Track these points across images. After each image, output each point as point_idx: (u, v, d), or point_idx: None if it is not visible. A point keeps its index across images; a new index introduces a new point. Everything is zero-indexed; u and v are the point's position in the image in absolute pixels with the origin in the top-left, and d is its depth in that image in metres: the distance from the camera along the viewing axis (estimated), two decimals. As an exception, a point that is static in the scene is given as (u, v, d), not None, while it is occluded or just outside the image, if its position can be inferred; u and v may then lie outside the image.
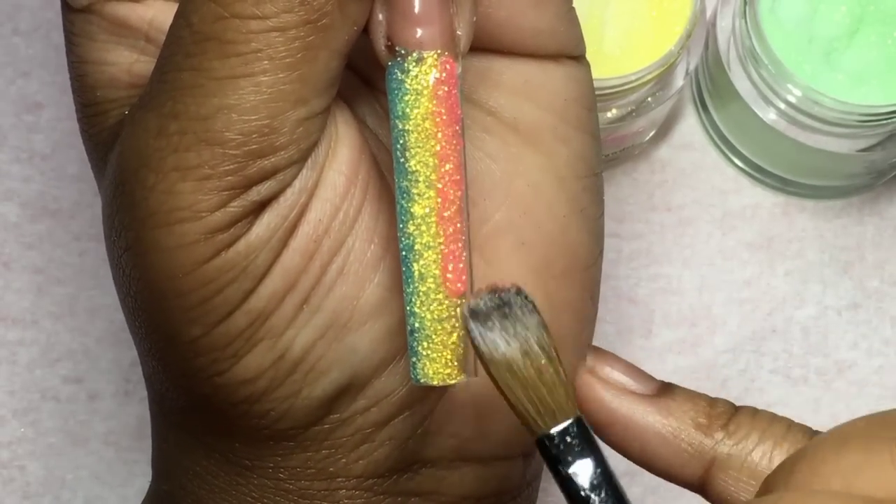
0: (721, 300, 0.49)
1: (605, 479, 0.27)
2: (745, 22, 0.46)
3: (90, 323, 0.49)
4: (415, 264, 0.28)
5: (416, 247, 0.28)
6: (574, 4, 0.45)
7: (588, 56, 0.45)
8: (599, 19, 0.46)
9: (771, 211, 0.50)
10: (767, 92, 0.46)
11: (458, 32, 0.28)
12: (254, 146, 0.28)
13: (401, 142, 0.28)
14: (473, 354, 0.28)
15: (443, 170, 0.28)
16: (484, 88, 0.31)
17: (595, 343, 0.48)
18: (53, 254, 0.50)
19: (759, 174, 0.50)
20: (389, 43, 0.28)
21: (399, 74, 0.28)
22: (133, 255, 0.29)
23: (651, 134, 0.50)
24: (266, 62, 0.27)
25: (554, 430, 0.27)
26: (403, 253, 0.28)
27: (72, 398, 0.48)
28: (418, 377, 0.29)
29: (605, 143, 0.48)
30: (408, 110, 0.28)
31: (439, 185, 0.28)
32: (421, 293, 0.28)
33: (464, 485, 0.33)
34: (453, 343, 0.28)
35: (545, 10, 0.31)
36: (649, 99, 0.47)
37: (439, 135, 0.28)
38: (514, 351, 0.27)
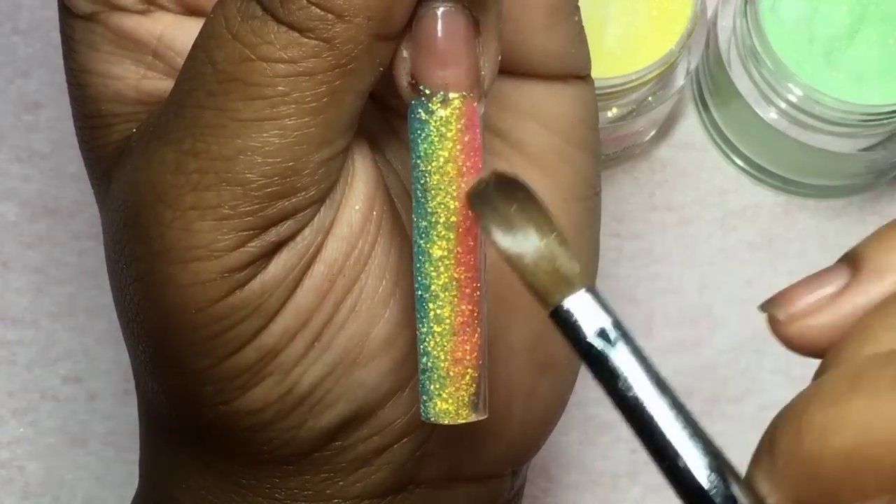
0: (722, 300, 0.49)
1: (623, 333, 0.25)
2: (746, 21, 0.46)
3: (90, 323, 0.49)
4: (430, 304, 0.28)
5: (433, 288, 0.28)
6: (574, 3, 0.46)
7: (588, 55, 0.45)
8: (600, 19, 0.46)
9: (772, 210, 0.50)
10: (768, 91, 0.46)
11: (483, 73, 0.28)
12: (275, 188, 0.28)
13: (422, 182, 0.27)
14: (484, 395, 0.28)
15: (463, 213, 0.27)
16: (491, 110, 0.31)
17: (595, 343, 0.48)
18: (53, 253, 0.49)
19: (760, 173, 0.50)
20: (413, 81, 0.27)
21: (423, 115, 0.27)
22: (144, 287, 0.29)
23: (652, 133, 0.50)
24: (292, 106, 0.27)
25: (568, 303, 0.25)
26: (419, 293, 0.28)
27: (71, 398, 0.48)
28: (429, 415, 0.28)
29: (606, 143, 0.48)
30: (430, 151, 0.27)
31: (459, 229, 0.27)
32: (436, 334, 0.28)
33: (456, 502, 0.33)
34: (465, 384, 0.28)
35: (557, 33, 0.31)
36: (650, 98, 0.47)
37: (461, 178, 0.27)
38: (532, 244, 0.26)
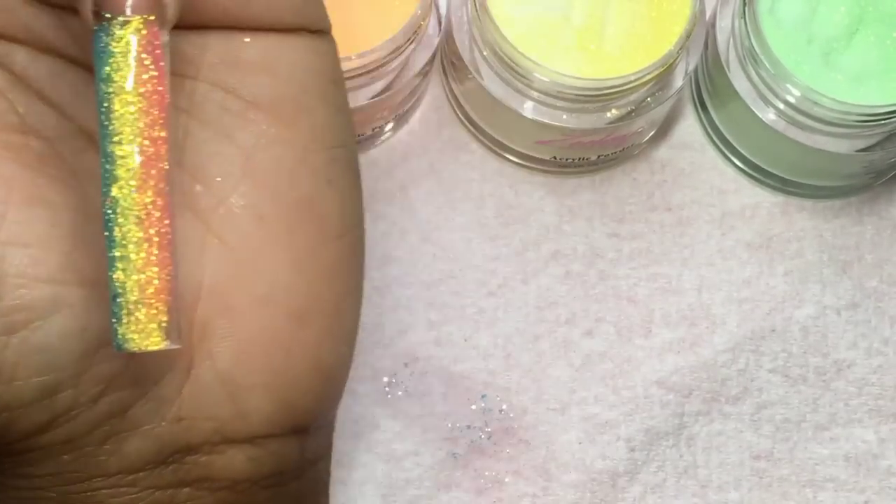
0: (720, 300, 0.49)
1: None
2: (745, 22, 0.46)
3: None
4: (117, 228, 0.29)
5: (119, 210, 0.28)
6: (575, 4, 0.46)
7: (588, 56, 0.45)
8: (599, 19, 0.46)
9: (770, 211, 0.50)
10: (766, 92, 0.46)
11: (166, 0, 0.29)
12: None
13: (105, 105, 0.28)
14: (177, 324, 0.29)
15: (148, 133, 0.28)
16: (222, 67, 0.32)
17: (595, 342, 0.48)
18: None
19: (759, 174, 0.50)
20: (96, 9, 0.28)
21: (104, 38, 0.28)
22: None
23: (651, 134, 0.50)
24: None
25: None
26: (106, 217, 0.29)
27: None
28: (119, 344, 0.29)
29: (605, 143, 0.48)
30: (112, 73, 0.28)
31: (144, 149, 0.28)
32: (122, 258, 0.29)
33: (234, 468, 0.33)
34: (155, 309, 0.29)
35: None
36: (649, 99, 0.47)
37: (143, 100, 0.29)
38: None
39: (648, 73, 0.45)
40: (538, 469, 0.47)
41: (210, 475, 0.33)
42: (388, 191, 0.49)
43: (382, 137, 0.50)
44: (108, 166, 0.28)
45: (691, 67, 0.47)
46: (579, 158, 0.49)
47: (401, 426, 0.47)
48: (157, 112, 0.28)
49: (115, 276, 0.28)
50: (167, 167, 0.29)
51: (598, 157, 0.49)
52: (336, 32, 0.45)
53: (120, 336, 0.29)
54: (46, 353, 0.30)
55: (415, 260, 0.49)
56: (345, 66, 0.44)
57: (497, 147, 0.50)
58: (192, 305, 0.32)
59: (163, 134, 0.29)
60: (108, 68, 0.28)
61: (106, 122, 0.28)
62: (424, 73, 0.48)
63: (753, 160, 0.50)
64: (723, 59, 0.48)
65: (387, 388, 0.47)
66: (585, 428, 0.47)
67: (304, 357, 0.33)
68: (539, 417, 0.47)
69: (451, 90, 0.50)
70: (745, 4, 0.46)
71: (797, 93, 0.45)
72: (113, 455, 0.32)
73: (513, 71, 0.45)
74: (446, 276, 0.49)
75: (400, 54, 0.45)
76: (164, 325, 0.29)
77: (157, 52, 0.29)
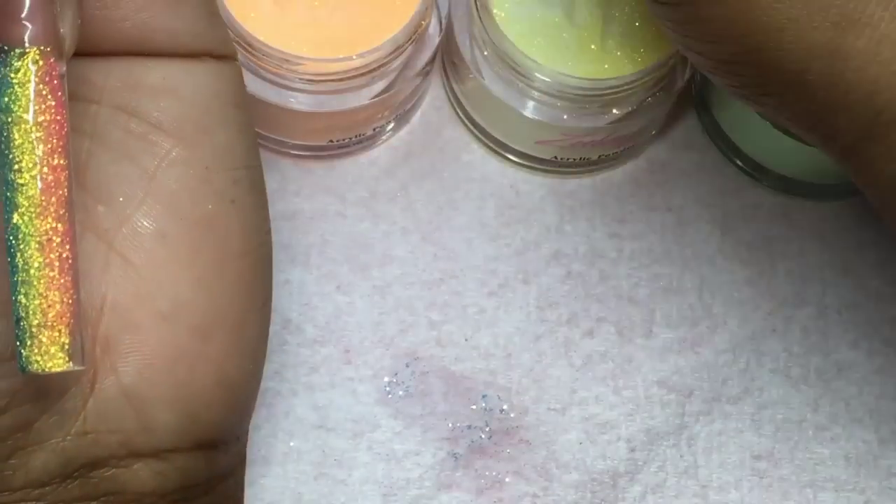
0: (721, 300, 0.49)
1: None
2: (746, 22, 0.46)
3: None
4: (19, 254, 0.29)
5: (21, 236, 0.29)
6: (576, 4, 0.46)
7: (589, 56, 0.45)
8: (600, 19, 0.46)
9: (771, 211, 0.50)
10: (768, 92, 0.46)
11: (62, 30, 0.29)
12: None
13: (5, 134, 0.29)
14: (80, 345, 0.30)
15: (47, 162, 0.29)
16: (125, 91, 0.32)
17: (596, 342, 0.48)
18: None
19: (759, 174, 0.50)
20: None
21: (2, 69, 0.29)
22: None
23: (651, 134, 0.50)
24: None
25: None
26: (8, 243, 0.29)
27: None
28: (24, 366, 0.29)
29: (606, 143, 0.48)
30: (11, 104, 0.29)
31: (44, 177, 0.29)
32: (24, 283, 0.29)
33: (140, 481, 0.33)
34: (58, 332, 0.29)
35: (182, 11, 0.32)
36: (649, 99, 0.47)
37: (43, 128, 0.29)
38: None
39: (649, 74, 0.45)
40: (539, 469, 0.47)
41: (117, 489, 0.33)
42: (388, 190, 0.49)
43: (383, 137, 0.50)
44: (8, 194, 0.29)
45: (692, 67, 0.47)
46: (580, 158, 0.49)
47: (401, 426, 0.47)
48: (55, 140, 0.29)
49: (17, 301, 0.29)
50: (67, 194, 0.29)
51: (599, 157, 0.49)
52: (337, 32, 0.45)
53: (24, 358, 0.29)
54: None
55: (416, 260, 0.49)
56: (346, 65, 0.44)
57: (498, 147, 0.50)
58: (95, 321, 0.32)
59: (62, 161, 0.29)
60: (6, 99, 0.29)
61: (6, 151, 0.29)
62: (425, 72, 0.48)
63: (754, 160, 0.50)
64: (724, 59, 0.48)
65: (387, 388, 0.47)
66: (586, 428, 0.47)
67: (207, 371, 0.33)
68: (540, 417, 0.47)
69: (452, 90, 0.50)
70: (746, 4, 0.46)
71: (798, 93, 0.45)
72: (18, 470, 0.32)
73: (514, 71, 0.45)
74: (447, 275, 0.49)
75: (401, 54, 0.45)
76: (66, 347, 0.29)
77: (55, 82, 0.29)
